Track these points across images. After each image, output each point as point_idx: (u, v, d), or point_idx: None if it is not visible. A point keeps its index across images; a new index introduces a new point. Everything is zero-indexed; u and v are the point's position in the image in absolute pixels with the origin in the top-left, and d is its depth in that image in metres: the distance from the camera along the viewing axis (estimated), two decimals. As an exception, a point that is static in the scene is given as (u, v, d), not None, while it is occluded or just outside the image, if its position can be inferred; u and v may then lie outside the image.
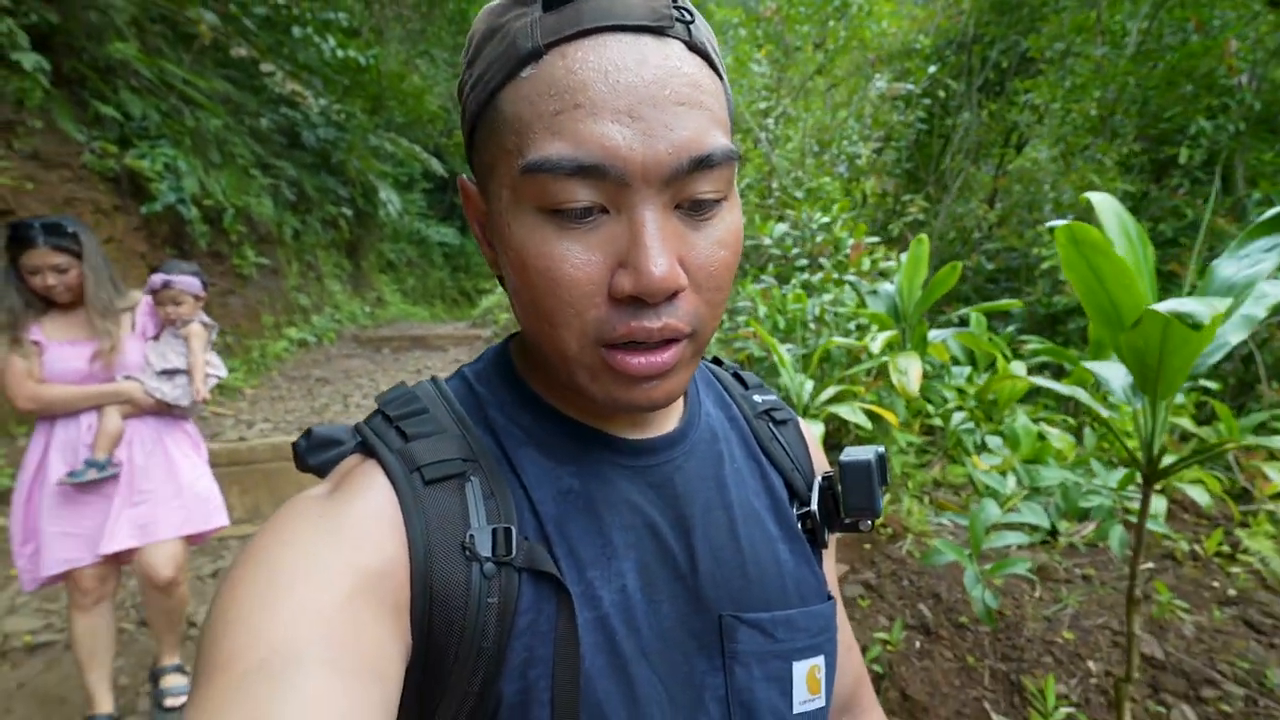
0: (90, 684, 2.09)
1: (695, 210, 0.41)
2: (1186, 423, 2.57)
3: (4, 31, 3.86)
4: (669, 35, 0.40)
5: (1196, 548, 2.20)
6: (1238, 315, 1.32)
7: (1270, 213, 1.23)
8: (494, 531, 0.43)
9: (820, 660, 0.53)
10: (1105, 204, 1.27)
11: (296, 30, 6.68)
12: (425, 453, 0.45)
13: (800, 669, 0.51)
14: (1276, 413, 3.02)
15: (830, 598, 0.56)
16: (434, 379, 0.54)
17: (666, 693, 0.47)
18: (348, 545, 0.39)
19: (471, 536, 0.43)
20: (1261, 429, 3.00)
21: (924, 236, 3.04)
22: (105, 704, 2.09)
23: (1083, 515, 2.21)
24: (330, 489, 0.44)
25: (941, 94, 6.52)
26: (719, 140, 0.40)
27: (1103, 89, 5.09)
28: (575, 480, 0.48)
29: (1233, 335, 1.28)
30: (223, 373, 2.42)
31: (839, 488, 0.56)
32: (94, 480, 2.04)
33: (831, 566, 0.65)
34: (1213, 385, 3.14)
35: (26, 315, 2.02)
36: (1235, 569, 2.01)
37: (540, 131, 0.38)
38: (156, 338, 2.26)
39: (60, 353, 2.05)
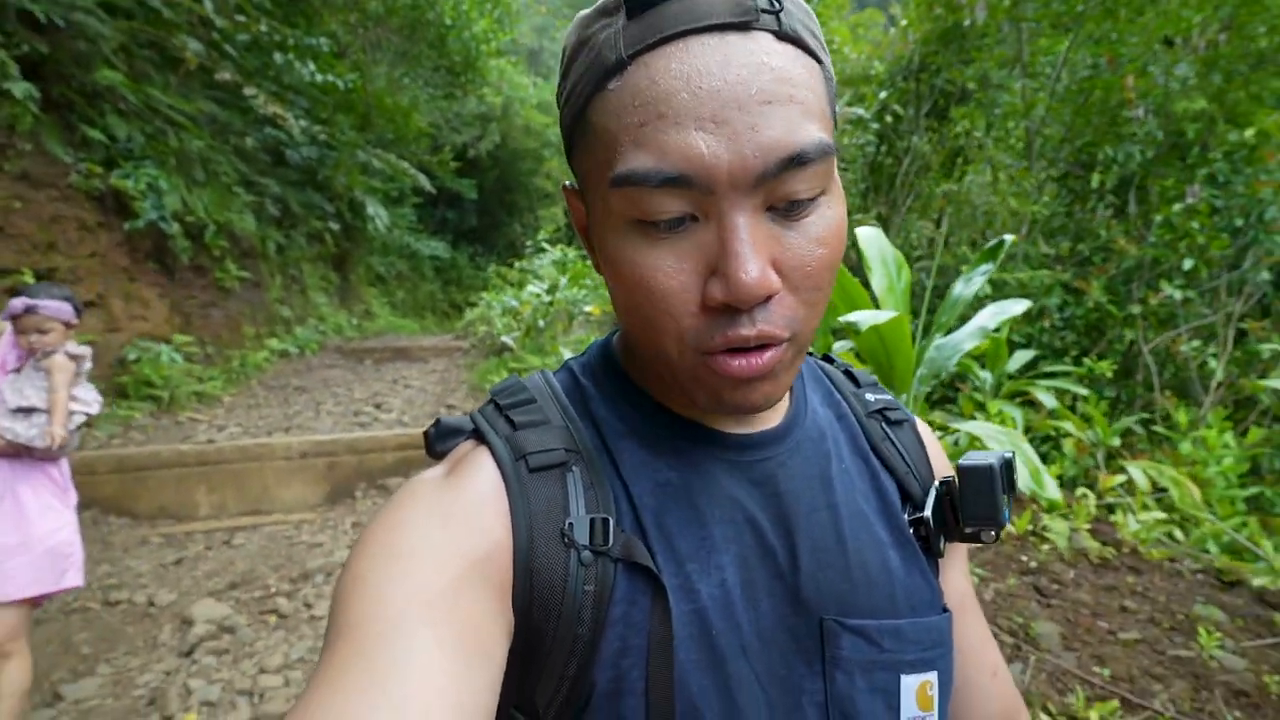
0: None
1: (790, 210, 0.40)
2: (937, 417, 2.83)
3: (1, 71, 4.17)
4: (755, 29, 0.38)
5: (1011, 528, 2.47)
6: (972, 326, 1.62)
7: (990, 243, 1.53)
8: (592, 521, 0.44)
9: (933, 676, 0.50)
10: (867, 236, 1.58)
11: (278, 56, 7.02)
12: (531, 441, 0.47)
13: (910, 683, 0.49)
14: (1144, 416, 3.31)
15: (946, 610, 0.53)
16: (543, 372, 0.55)
17: (764, 692, 0.46)
18: (458, 530, 0.42)
19: (571, 525, 0.44)
20: (1129, 433, 3.29)
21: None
22: None
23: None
24: (445, 472, 0.47)
25: (889, 119, 6.90)
26: (812, 135, 0.38)
27: (1022, 118, 5.44)
28: (674, 473, 0.48)
29: (967, 343, 1.58)
30: (94, 409, 2.16)
31: (958, 494, 0.53)
32: None
33: (962, 578, 0.62)
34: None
35: None
36: (1045, 545, 2.30)
37: (626, 144, 0.39)
38: (18, 370, 2.04)
39: None
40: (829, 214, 0.42)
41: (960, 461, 0.54)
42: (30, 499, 1.99)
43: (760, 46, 0.38)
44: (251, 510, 4.01)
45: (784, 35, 0.39)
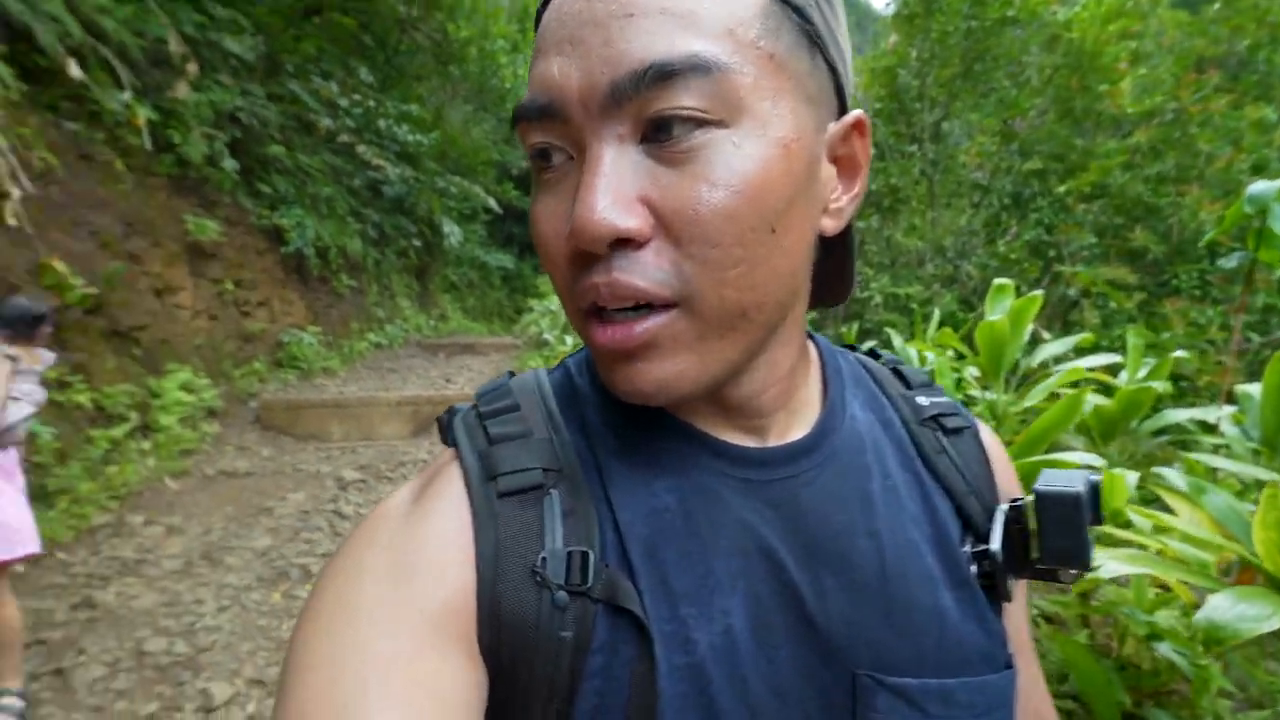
0: None
1: (662, 137, 0.33)
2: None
3: (217, 150, 6.56)
4: None
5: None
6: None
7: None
8: (569, 555, 0.37)
9: None
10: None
11: (381, 122, 9.41)
12: (505, 459, 0.40)
13: None
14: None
15: (1010, 665, 0.43)
16: (538, 370, 0.48)
17: None
18: (417, 583, 0.36)
19: (544, 559, 0.37)
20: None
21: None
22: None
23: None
24: (413, 497, 0.41)
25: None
26: (681, 45, 0.32)
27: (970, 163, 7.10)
28: (671, 496, 0.41)
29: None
30: (29, 409, 2.50)
31: (1032, 523, 0.44)
32: None
33: (1021, 615, 0.52)
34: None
35: None
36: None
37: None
38: None
39: None
40: (734, 152, 0.34)
41: (1038, 486, 0.44)
42: None
43: None
44: (366, 437, 6.19)
45: None
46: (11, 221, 3.94)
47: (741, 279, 0.35)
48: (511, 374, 0.49)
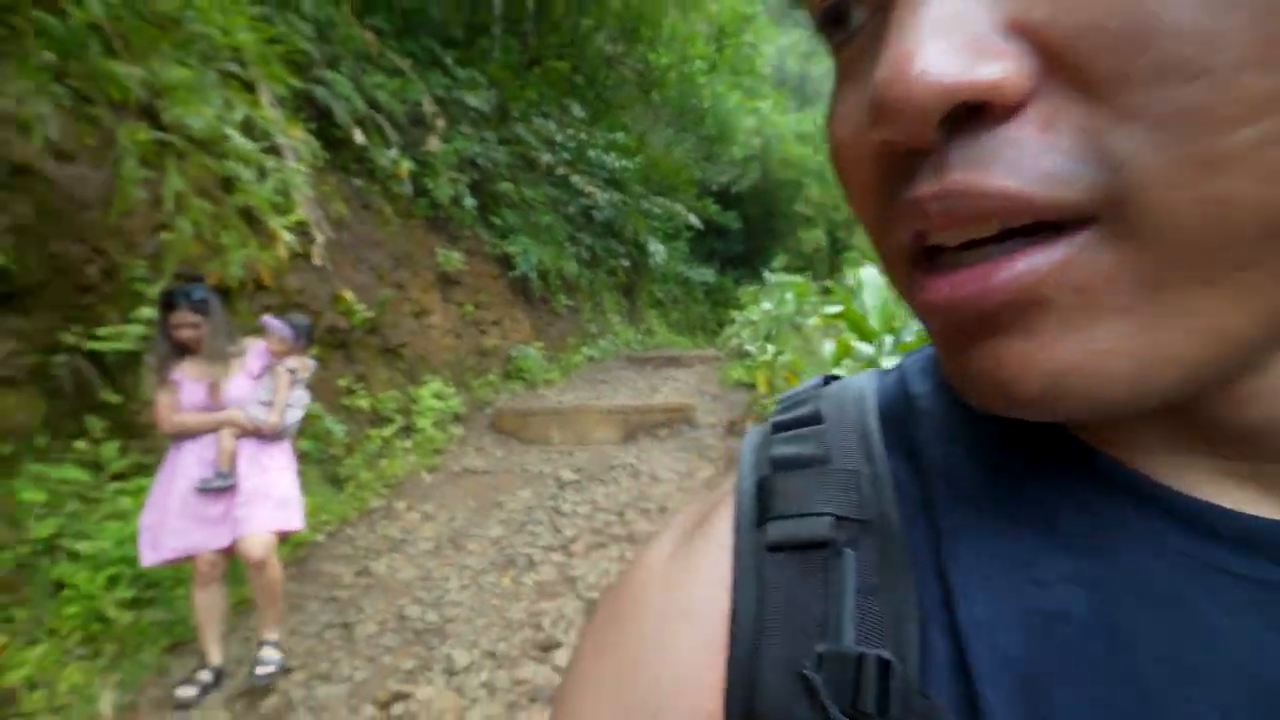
0: (204, 642, 2.65)
1: None
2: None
3: (460, 191, 7.59)
4: None
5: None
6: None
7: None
8: (860, 661, 0.23)
9: None
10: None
11: (592, 152, 10.19)
12: (784, 495, 0.27)
13: None
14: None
15: None
16: (873, 372, 0.33)
17: None
18: (652, 688, 0.27)
19: (820, 658, 0.23)
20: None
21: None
22: (215, 657, 2.66)
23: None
24: (676, 543, 0.31)
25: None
26: None
27: None
28: (1077, 592, 0.22)
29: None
30: (299, 413, 2.93)
31: None
32: (219, 488, 2.59)
33: None
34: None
35: (170, 360, 2.60)
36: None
37: None
38: (262, 375, 2.82)
39: (191, 389, 2.61)
40: None
41: None
42: (271, 465, 2.76)
43: None
44: (581, 441, 6.67)
45: None
46: (317, 261, 4.93)
47: (1264, 156, 0.16)
48: (833, 377, 0.34)
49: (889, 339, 3.16)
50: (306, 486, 4.30)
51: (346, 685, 2.76)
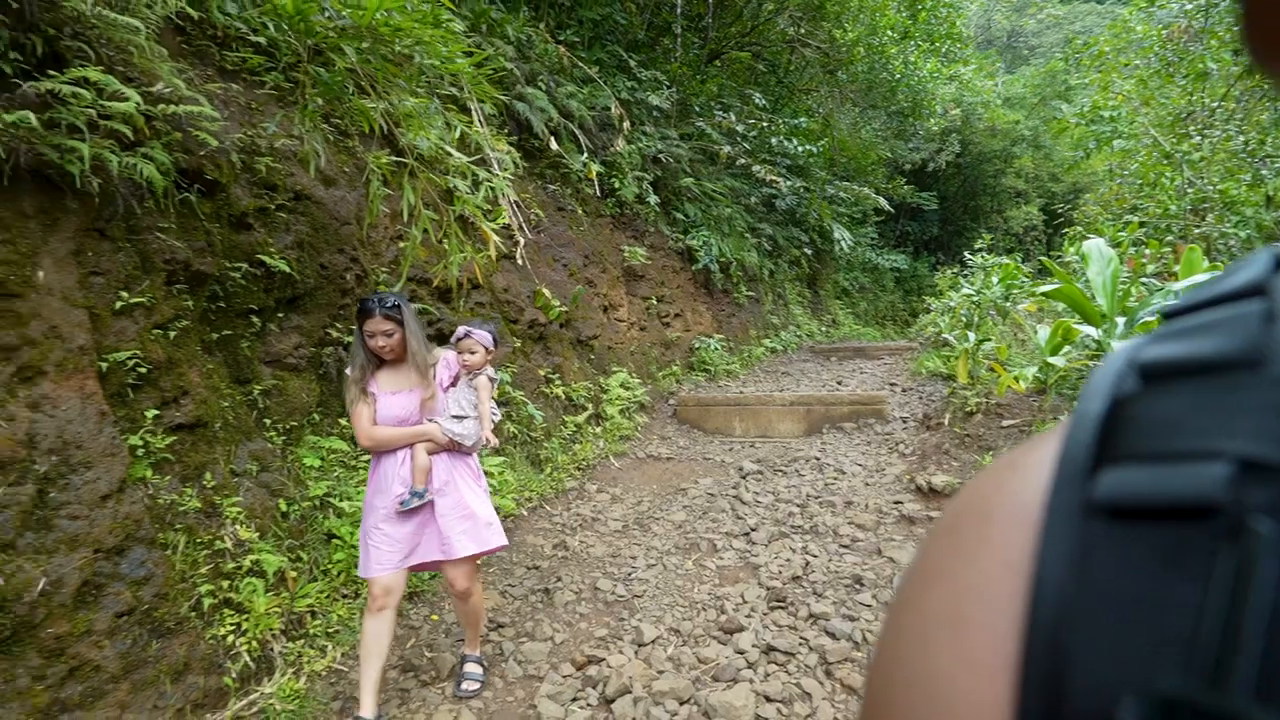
0: (362, 684, 2.41)
1: None
2: None
3: (644, 189, 7.88)
4: None
5: None
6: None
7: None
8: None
9: None
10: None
11: (773, 140, 9.98)
12: (1154, 421, 0.18)
13: None
14: None
15: None
16: None
17: None
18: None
19: (1168, 704, 0.15)
20: None
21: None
22: (368, 708, 2.38)
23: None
24: (997, 481, 0.23)
25: None
26: None
27: None
28: None
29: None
30: (497, 417, 2.73)
31: None
32: (417, 506, 2.50)
33: None
34: None
35: (368, 371, 2.49)
36: None
37: None
38: (453, 386, 2.64)
39: (387, 401, 2.50)
40: None
41: None
42: (462, 482, 2.61)
43: None
44: (763, 433, 6.61)
45: None
46: (519, 261, 5.43)
47: None
48: None
49: (1121, 320, 2.72)
50: (512, 465, 4.77)
51: (548, 644, 3.04)
